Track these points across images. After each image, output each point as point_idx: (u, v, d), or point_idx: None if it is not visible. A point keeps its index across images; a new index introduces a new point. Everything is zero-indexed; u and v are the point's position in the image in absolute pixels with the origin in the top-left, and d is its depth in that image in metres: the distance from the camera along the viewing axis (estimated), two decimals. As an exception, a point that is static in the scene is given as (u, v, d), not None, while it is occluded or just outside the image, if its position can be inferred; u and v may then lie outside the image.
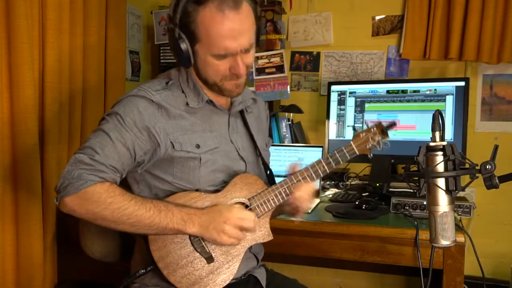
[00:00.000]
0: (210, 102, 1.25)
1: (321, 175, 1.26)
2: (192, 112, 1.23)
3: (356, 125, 2.15)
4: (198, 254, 1.19)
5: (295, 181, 1.25)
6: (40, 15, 1.70)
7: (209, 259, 1.19)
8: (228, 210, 1.16)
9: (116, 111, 1.17)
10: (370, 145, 1.27)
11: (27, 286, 1.67)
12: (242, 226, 1.16)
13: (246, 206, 1.23)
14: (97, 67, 2.05)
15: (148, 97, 1.18)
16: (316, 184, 1.30)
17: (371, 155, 1.28)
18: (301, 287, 1.41)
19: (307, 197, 1.27)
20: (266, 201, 1.24)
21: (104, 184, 1.09)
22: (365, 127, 1.30)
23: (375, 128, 1.28)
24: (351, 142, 1.27)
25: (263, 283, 1.32)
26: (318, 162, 1.26)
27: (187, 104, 1.22)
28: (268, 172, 1.36)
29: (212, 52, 1.14)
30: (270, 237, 1.27)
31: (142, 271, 1.22)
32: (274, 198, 1.24)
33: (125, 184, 1.22)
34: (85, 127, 1.98)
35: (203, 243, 1.19)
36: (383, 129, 1.27)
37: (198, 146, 1.21)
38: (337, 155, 1.26)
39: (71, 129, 1.90)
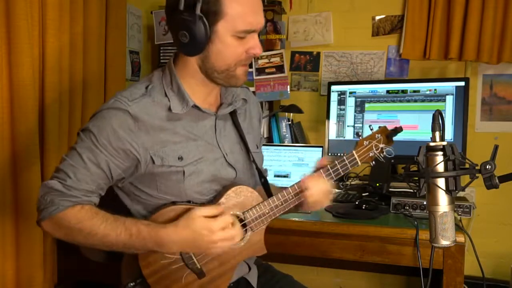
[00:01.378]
0: (195, 107, 1.17)
1: None
2: (175, 119, 1.15)
3: (357, 125, 2.15)
4: (189, 269, 1.16)
5: (292, 193, 1.19)
6: (40, 15, 1.70)
7: (200, 274, 1.16)
8: (208, 230, 1.08)
9: (91, 128, 1.11)
10: (373, 153, 1.20)
11: (27, 286, 1.67)
12: (230, 238, 1.11)
13: (241, 220, 1.18)
14: (97, 67, 2.05)
15: (124, 108, 1.10)
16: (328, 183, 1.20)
17: (373, 163, 1.21)
18: (293, 284, 1.40)
19: (322, 197, 1.18)
20: (262, 215, 1.18)
21: (74, 208, 1.07)
22: (367, 130, 1.23)
23: (379, 135, 1.20)
24: (353, 152, 1.20)
25: (254, 284, 1.31)
26: (318, 173, 1.20)
27: (170, 109, 1.14)
28: (263, 180, 1.28)
29: (238, 29, 1.07)
30: (264, 252, 1.23)
31: (131, 284, 1.19)
32: (270, 212, 1.18)
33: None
34: (85, 127, 1.98)
35: (194, 259, 1.15)
36: (388, 135, 1.20)
37: (180, 159, 1.14)
38: (338, 165, 1.19)
39: (71, 129, 1.90)
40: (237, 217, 1.19)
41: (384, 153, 1.20)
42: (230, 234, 1.11)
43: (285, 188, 1.21)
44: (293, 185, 1.20)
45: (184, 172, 1.14)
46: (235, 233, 1.12)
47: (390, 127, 1.23)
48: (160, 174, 1.14)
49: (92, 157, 1.09)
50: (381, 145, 1.19)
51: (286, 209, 1.21)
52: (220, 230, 1.09)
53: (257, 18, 1.10)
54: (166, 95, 1.16)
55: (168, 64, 1.20)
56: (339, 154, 2.17)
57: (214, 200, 1.19)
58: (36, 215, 1.12)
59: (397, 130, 1.20)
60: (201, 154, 1.18)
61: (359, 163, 1.20)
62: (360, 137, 1.23)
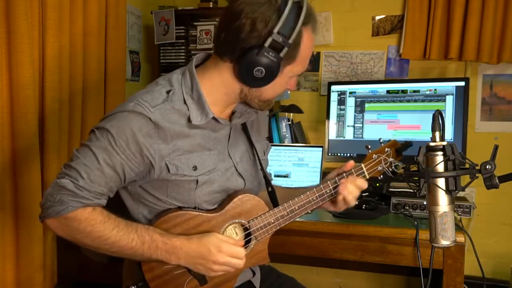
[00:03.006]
0: (213, 118, 1.15)
1: (327, 199, 1.20)
2: (193, 128, 1.14)
3: (357, 125, 2.15)
4: (191, 275, 1.15)
5: (299, 204, 1.18)
6: (40, 15, 1.70)
7: (202, 280, 1.15)
8: (217, 249, 1.09)
9: (108, 128, 1.06)
10: (382, 167, 1.19)
11: (27, 286, 1.67)
12: (232, 265, 1.12)
13: (246, 229, 1.18)
14: (97, 67, 2.05)
15: (145, 114, 1.07)
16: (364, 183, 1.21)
17: (382, 177, 1.21)
18: (297, 286, 1.39)
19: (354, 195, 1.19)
20: (267, 225, 1.17)
21: (86, 210, 1.04)
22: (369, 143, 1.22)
23: (389, 149, 1.19)
24: (362, 165, 1.20)
25: (257, 286, 1.30)
26: (326, 186, 1.19)
27: (189, 120, 1.12)
28: (270, 189, 1.26)
29: (297, 72, 1.14)
30: (267, 261, 1.22)
31: (133, 287, 1.18)
32: (275, 222, 1.18)
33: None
34: (85, 127, 1.98)
35: None
36: (397, 150, 1.19)
37: (195, 168, 1.13)
38: (347, 178, 1.19)
39: (71, 129, 1.90)
40: (242, 225, 1.18)
41: (393, 167, 1.19)
42: (234, 263, 1.12)
43: (298, 193, 1.20)
44: (300, 196, 1.19)
45: (197, 181, 1.14)
46: (238, 264, 1.13)
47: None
48: (173, 181, 1.13)
49: (107, 159, 1.05)
50: (390, 159, 1.19)
51: (292, 219, 1.20)
52: (227, 254, 1.10)
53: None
54: (185, 102, 1.13)
55: (189, 68, 1.16)
56: (339, 155, 2.17)
57: (219, 207, 1.18)
58: (40, 212, 1.08)
59: (407, 144, 1.19)
60: (214, 165, 1.17)
61: (367, 176, 1.20)
62: (369, 151, 1.21)
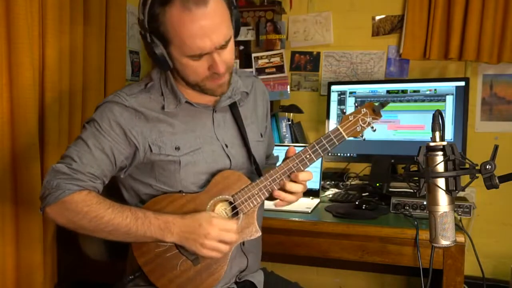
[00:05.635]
0: (188, 103, 1.21)
1: (308, 164, 1.19)
2: (171, 115, 1.20)
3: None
4: (184, 257, 1.17)
5: (280, 172, 1.19)
6: (40, 15, 1.70)
7: (195, 261, 1.17)
8: (208, 223, 1.12)
9: (94, 117, 1.17)
10: (360, 127, 1.19)
11: (27, 286, 1.67)
12: (223, 240, 1.13)
13: (231, 203, 1.19)
14: (97, 67, 2.05)
15: (121, 103, 1.17)
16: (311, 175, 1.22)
17: (363, 137, 1.20)
18: None
19: (299, 192, 1.21)
20: (251, 196, 1.19)
21: (82, 193, 1.10)
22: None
23: (365, 109, 1.19)
24: (338, 126, 1.20)
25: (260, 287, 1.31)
26: (304, 151, 1.19)
27: (163, 108, 1.19)
28: (255, 166, 1.28)
29: (186, 54, 1.08)
30: (258, 234, 1.22)
31: (130, 277, 1.21)
32: (259, 192, 1.19)
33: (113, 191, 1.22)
34: (85, 127, 1.98)
35: None
36: (374, 109, 1.19)
37: (177, 148, 1.18)
38: (324, 141, 1.19)
39: (71, 129, 1.90)
40: (227, 200, 1.20)
41: (374, 127, 1.20)
42: (226, 236, 1.13)
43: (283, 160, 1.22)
44: (281, 164, 1.21)
45: (180, 162, 1.18)
46: (230, 238, 1.14)
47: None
48: (158, 162, 1.18)
49: (96, 142, 1.14)
50: (367, 119, 1.19)
51: (275, 188, 1.20)
52: (218, 227, 1.12)
53: (208, 41, 1.05)
54: (162, 94, 1.21)
55: None
56: (339, 155, 2.17)
57: (202, 189, 1.20)
58: (40, 203, 1.13)
59: (384, 104, 1.20)
60: (198, 145, 1.21)
61: (346, 137, 1.19)
62: (345, 114, 1.24)
